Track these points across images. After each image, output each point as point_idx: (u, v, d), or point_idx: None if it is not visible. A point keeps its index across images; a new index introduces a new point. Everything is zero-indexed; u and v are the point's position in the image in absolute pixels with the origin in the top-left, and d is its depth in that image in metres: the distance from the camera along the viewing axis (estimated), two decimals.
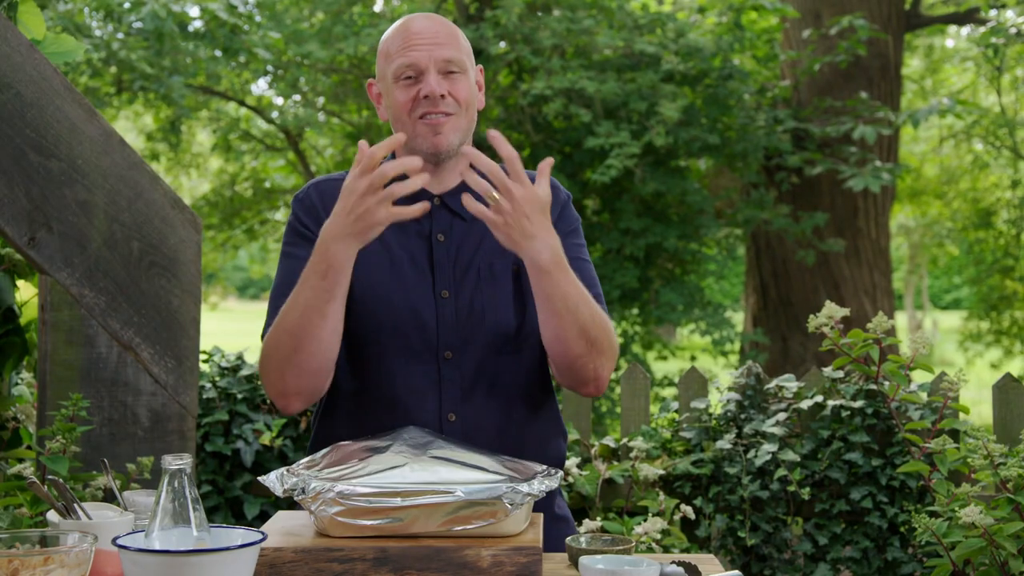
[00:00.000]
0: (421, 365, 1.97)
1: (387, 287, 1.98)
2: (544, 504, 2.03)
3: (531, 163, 8.03)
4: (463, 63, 1.99)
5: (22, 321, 2.67)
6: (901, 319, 21.51)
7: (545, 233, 1.79)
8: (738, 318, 10.66)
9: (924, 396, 3.30)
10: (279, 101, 9.93)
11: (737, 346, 9.01)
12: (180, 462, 1.49)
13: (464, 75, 1.99)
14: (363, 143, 1.78)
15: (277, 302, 1.97)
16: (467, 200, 1.77)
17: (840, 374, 3.37)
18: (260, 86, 10.46)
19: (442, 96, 1.95)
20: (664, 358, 9.07)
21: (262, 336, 2.00)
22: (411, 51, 1.96)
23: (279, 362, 1.90)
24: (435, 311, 1.97)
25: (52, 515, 1.71)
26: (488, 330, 1.98)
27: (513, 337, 1.99)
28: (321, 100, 9.75)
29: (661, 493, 3.26)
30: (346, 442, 1.81)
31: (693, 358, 9.10)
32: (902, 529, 3.21)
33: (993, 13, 8.83)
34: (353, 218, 1.76)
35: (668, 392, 8.28)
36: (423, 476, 1.68)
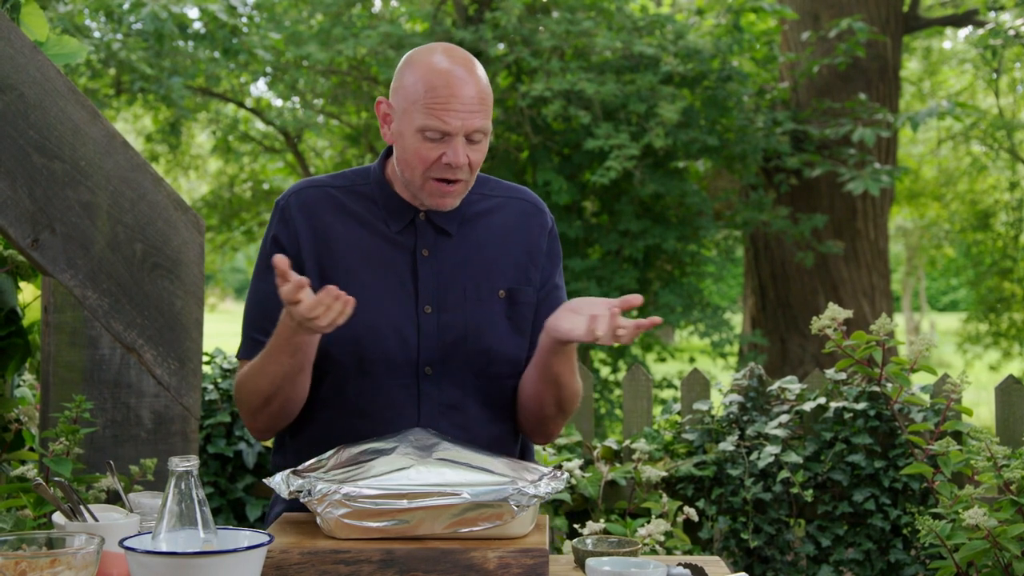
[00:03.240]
0: (401, 379, 1.97)
1: (369, 301, 1.96)
2: None
3: (531, 164, 8.03)
4: (488, 128, 1.95)
5: (25, 323, 2.66)
6: (899, 321, 21.52)
7: None
8: (736, 320, 10.65)
9: (927, 398, 3.30)
10: (278, 103, 9.92)
11: (736, 348, 9.00)
12: (187, 464, 1.49)
13: (486, 138, 1.96)
14: (279, 258, 1.75)
15: (252, 325, 2.03)
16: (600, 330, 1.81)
17: (842, 376, 3.37)
18: (259, 87, 10.45)
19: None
20: (663, 360, 9.06)
21: (237, 356, 2.06)
22: (447, 116, 1.89)
23: (251, 410, 1.99)
24: (417, 326, 1.98)
25: (58, 517, 1.71)
26: (470, 350, 1.99)
27: (495, 359, 2.00)
28: (320, 102, 9.74)
29: (664, 495, 3.25)
30: (351, 444, 1.81)
31: (692, 360, 9.09)
32: (905, 531, 3.21)
33: (991, 15, 8.83)
34: (296, 324, 1.79)
35: (667, 394, 8.27)
36: (429, 478, 1.68)
